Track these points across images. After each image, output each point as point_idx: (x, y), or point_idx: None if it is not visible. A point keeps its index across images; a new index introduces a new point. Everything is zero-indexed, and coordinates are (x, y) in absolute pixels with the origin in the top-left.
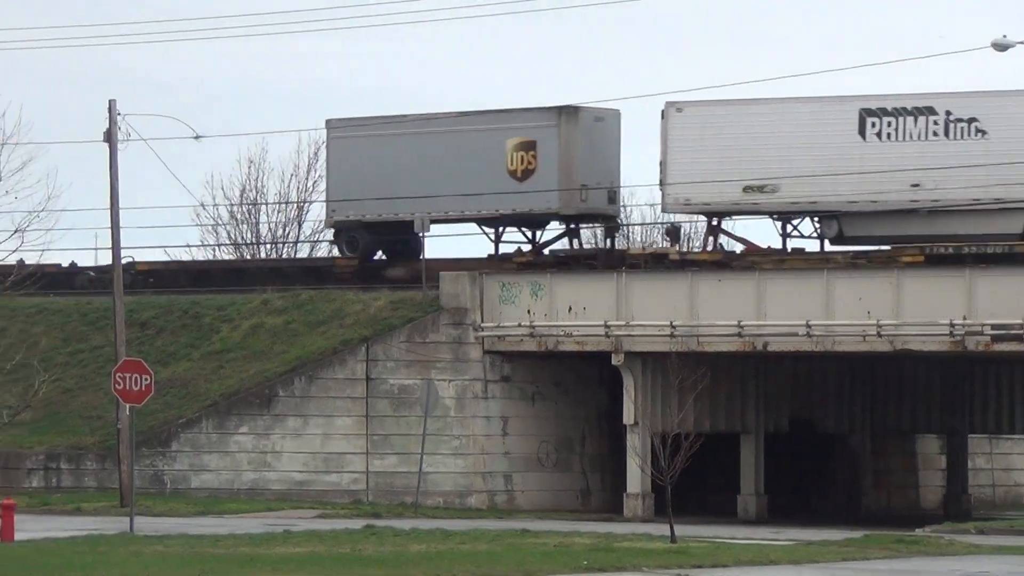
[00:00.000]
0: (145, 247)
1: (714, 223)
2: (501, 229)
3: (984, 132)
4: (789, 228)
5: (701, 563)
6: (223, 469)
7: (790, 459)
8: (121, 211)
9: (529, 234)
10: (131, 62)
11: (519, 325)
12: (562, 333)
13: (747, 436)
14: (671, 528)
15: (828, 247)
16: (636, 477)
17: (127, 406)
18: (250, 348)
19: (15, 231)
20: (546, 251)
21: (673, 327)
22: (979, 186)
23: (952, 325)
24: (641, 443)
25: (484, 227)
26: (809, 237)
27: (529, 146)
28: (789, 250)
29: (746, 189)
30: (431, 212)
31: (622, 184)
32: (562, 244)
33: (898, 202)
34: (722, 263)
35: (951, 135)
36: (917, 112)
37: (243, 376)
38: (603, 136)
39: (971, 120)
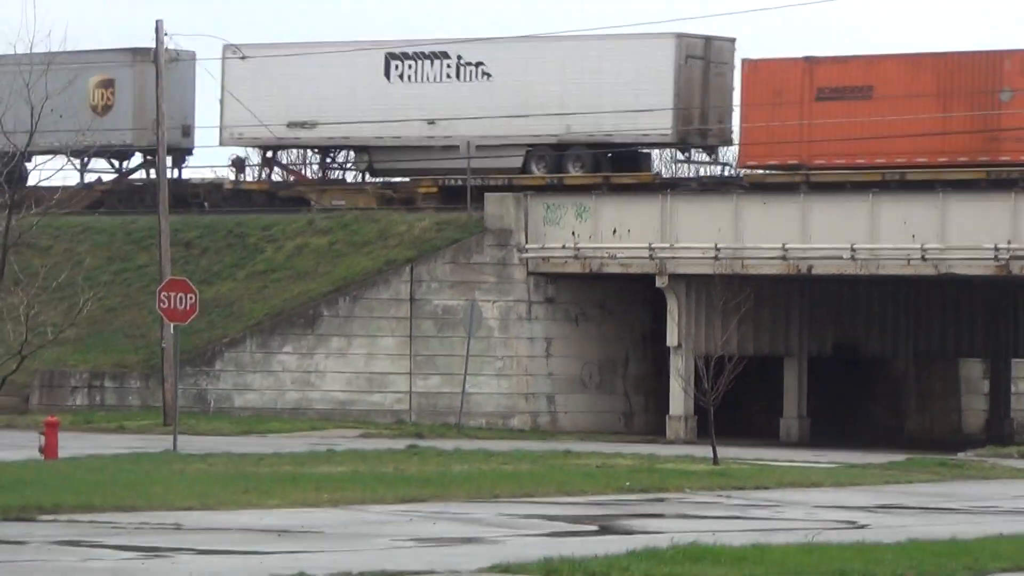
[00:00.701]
0: (195, 167)
1: (268, 155)
2: (86, 159)
3: (489, 75)
4: (329, 160)
5: (743, 485)
6: (267, 389)
7: (833, 383)
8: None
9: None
10: None
11: (563, 247)
12: (606, 255)
13: (790, 359)
14: (713, 450)
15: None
16: (679, 399)
17: (171, 325)
18: (294, 268)
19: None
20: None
21: (717, 249)
22: (486, 124)
23: (997, 249)
24: (684, 365)
25: (72, 158)
26: (348, 169)
27: (108, 84)
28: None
29: (290, 125)
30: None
31: (197, 120)
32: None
33: (417, 138)
34: (270, 192)
35: (462, 78)
36: (433, 57)
37: (287, 296)
38: (178, 76)
39: (479, 64)
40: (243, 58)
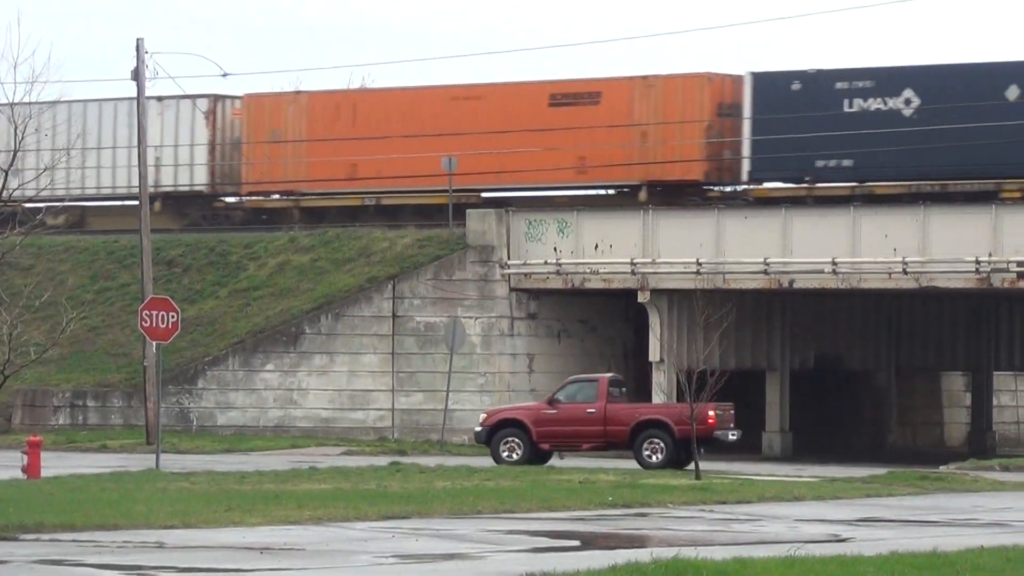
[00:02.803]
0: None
1: None
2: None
3: None
4: None
5: (725, 499)
6: (249, 406)
7: (815, 397)
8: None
9: None
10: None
11: (545, 263)
12: (588, 271)
13: (772, 373)
14: (696, 465)
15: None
16: None
17: (154, 344)
18: (277, 286)
19: (44, 169)
20: None
21: (699, 264)
22: None
23: (978, 262)
24: (667, 380)
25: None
26: None
27: None
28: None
29: None
30: None
31: None
32: None
33: None
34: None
35: None
36: None
37: (269, 314)
38: None
39: None
40: None
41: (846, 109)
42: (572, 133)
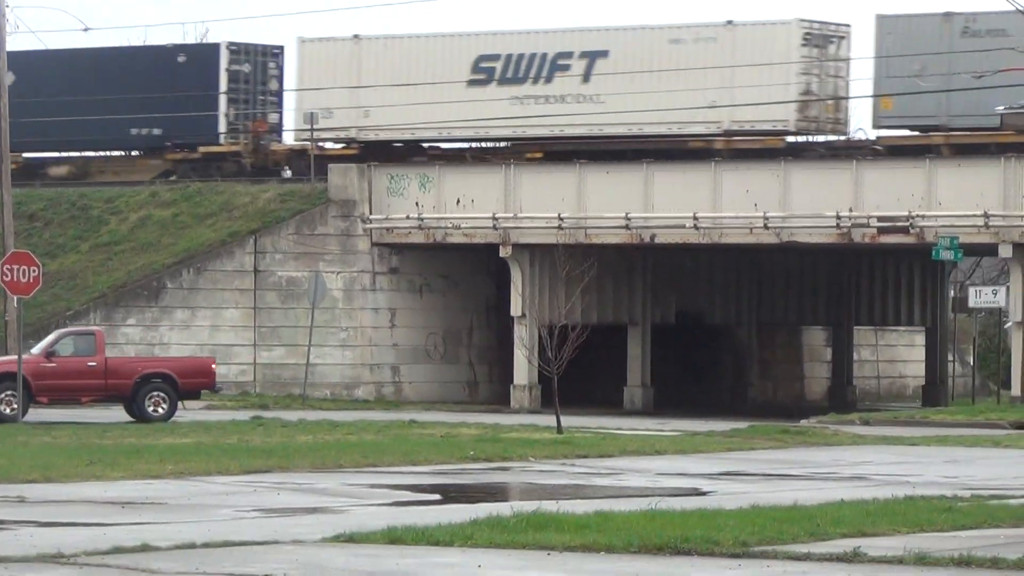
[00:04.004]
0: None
1: None
2: None
3: None
4: None
5: (587, 453)
6: None
7: (677, 351)
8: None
9: None
10: None
11: (407, 217)
12: (450, 225)
13: (634, 328)
14: (557, 419)
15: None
16: (523, 369)
17: (15, 298)
18: (138, 240)
19: None
20: None
21: (561, 219)
22: None
23: (839, 217)
24: (528, 335)
25: None
26: None
27: None
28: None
29: None
30: None
31: None
32: None
33: None
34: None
35: None
36: None
37: (131, 268)
38: None
39: None
40: None
41: None
42: None
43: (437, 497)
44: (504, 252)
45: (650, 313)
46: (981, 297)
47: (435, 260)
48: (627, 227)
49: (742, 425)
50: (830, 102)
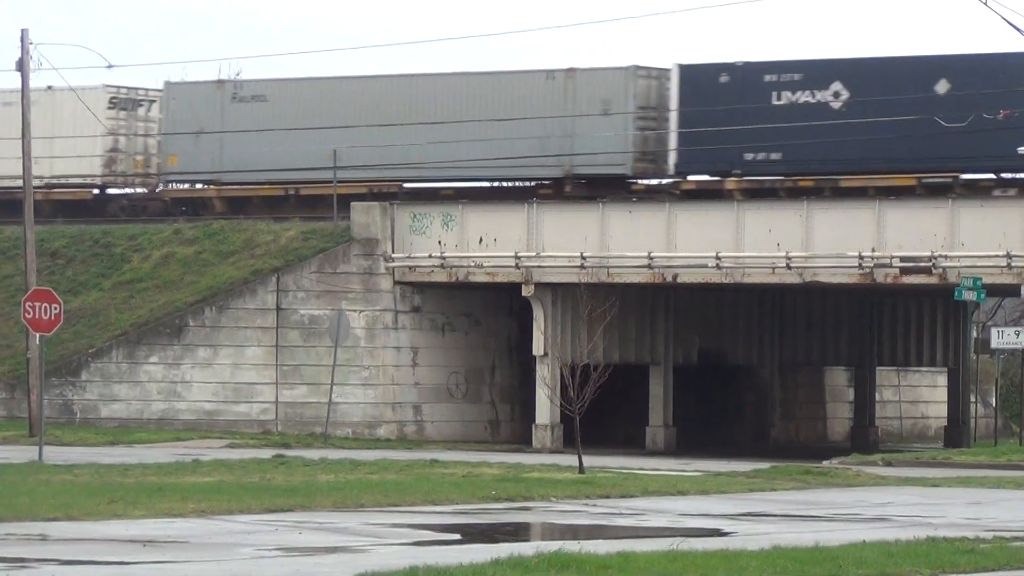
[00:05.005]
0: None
1: None
2: None
3: None
4: None
5: (609, 493)
6: (133, 399)
7: (699, 391)
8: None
9: None
10: None
11: (430, 256)
12: (473, 264)
13: (656, 368)
14: (579, 459)
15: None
16: (545, 408)
17: (37, 335)
18: (161, 278)
19: None
20: None
21: (583, 258)
22: None
23: (861, 257)
24: (550, 374)
25: None
26: None
27: None
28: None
29: None
30: None
31: None
32: None
33: None
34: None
35: None
36: None
37: (153, 306)
38: None
39: None
40: None
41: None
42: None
43: (458, 537)
44: (526, 291)
45: (672, 353)
46: (1003, 338)
47: (457, 299)
48: (649, 267)
49: (764, 466)
50: (139, 157)
